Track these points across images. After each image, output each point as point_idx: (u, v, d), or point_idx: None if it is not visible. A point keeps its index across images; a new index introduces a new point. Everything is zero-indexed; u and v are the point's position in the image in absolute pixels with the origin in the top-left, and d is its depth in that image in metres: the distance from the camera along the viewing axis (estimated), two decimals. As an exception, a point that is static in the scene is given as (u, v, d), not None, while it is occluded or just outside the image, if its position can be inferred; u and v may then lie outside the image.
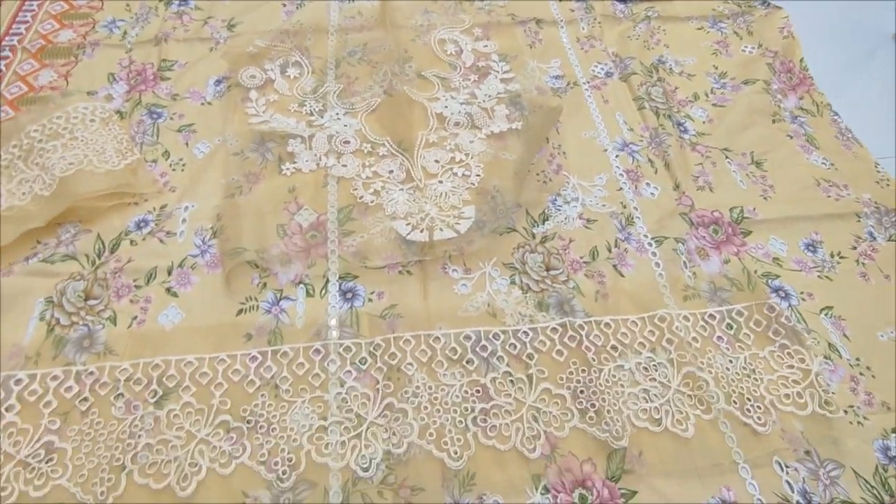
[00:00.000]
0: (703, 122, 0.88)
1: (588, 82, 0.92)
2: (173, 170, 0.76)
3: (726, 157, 0.84)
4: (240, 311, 0.64)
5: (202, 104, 0.84)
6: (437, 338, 0.62)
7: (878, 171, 0.84)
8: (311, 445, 0.55)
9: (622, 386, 0.60)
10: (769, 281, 0.70)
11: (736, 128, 0.88)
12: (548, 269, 0.69)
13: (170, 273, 0.66)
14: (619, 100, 0.90)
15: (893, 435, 0.59)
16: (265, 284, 0.66)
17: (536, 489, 0.54)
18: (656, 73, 0.95)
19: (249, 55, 0.88)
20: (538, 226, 0.73)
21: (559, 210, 0.75)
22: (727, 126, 0.88)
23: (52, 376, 0.57)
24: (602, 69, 0.94)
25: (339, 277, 0.67)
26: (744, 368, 0.62)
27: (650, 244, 0.72)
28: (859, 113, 0.93)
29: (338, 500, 0.53)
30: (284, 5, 1.01)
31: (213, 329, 0.62)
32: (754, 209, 0.77)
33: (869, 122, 0.93)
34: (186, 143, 0.79)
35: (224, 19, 0.97)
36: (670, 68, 0.96)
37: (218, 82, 0.87)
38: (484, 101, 0.86)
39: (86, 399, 0.56)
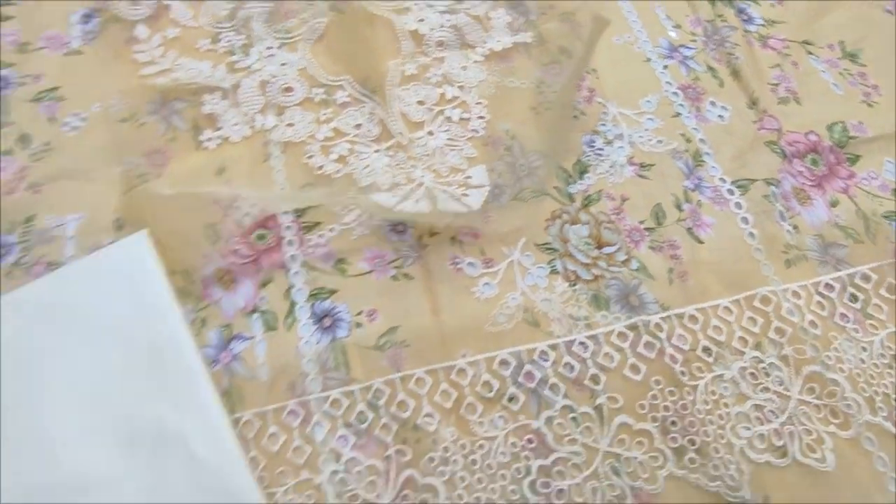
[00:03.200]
0: (772, 6, 0.65)
1: (612, -37, 0.67)
2: (38, 160, 0.52)
3: (809, 53, 0.62)
4: (170, 368, 0.44)
5: (66, 54, 0.58)
6: (462, 370, 0.44)
7: None
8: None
9: (726, 405, 0.43)
10: (893, 223, 0.52)
11: (815, 10, 0.65)
12: (599, 247, 0.49)
13: (57, 321, 0.45)
14: (656, -16, 0.66)
15: None
16: (204, 321, 0.45)
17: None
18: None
19: (125, -30, 0.60)
20: (574, 182, 0.52)
21: (600, 156, 0.54)
22: (803, 9, 0.65)
23: None
24: (627, -58, 0.69)
25: (310, 296, 0.46)
26: (881, 356, 0.46)
27: (731, 192, 0.53)
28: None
29: None
30: None
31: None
32: (861, 123, 0.57)
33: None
34: (53, 118, 0.54)
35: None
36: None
37: (86, 18, 0.60)
38: (474, 5, 0.62)
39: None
